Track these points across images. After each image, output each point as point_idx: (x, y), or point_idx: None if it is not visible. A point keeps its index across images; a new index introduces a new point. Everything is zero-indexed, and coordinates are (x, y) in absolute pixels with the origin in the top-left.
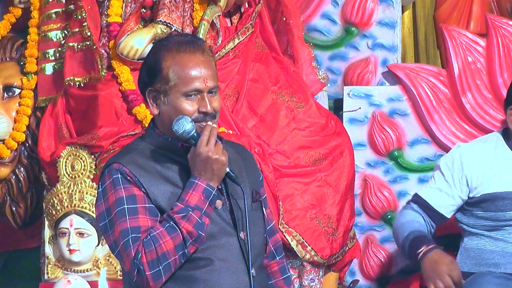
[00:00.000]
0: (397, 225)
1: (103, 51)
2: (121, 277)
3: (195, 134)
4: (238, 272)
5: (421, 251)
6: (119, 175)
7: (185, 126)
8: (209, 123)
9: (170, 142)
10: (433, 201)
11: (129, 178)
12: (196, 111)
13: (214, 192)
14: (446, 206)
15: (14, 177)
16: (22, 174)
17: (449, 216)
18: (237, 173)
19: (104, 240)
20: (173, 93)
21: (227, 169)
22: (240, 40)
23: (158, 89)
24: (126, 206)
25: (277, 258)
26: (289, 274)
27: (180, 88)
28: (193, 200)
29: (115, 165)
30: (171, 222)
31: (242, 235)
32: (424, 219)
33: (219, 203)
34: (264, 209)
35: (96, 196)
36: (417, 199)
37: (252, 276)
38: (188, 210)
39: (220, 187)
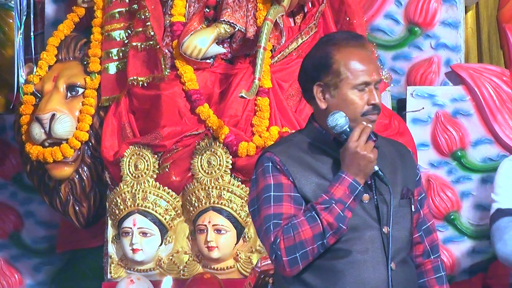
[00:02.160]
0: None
1: (167, 50)
2: (184, 277)
3: (347, 129)
4: (377, 265)
5: None
6: (270, 164)
7: (339, 120)
8: (364, 123)
9: (324, 135)
10: None
11: (278, 167)
12: (365, 103)
13: (360, 188)
14: None
15: (77, 176)
16: (85, 174)
17: None
18: (389, 171)
19: (167, 240)
20: (344, 86)
21: (376, 168)
22: (303, 40)
23: (328, 83)
24: (272, 193)
25: (432, 257)
26: (443, 273)
27: (351, 81)
28: (338, 193)
29: (268, 154)
30: (313, 212)
31: (385, 229)
32: None
33: (366, 197)
34: (419, 207)
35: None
36: (505, 212)
37: (391, 269)
38: (332, 202)
39: (369, 182)
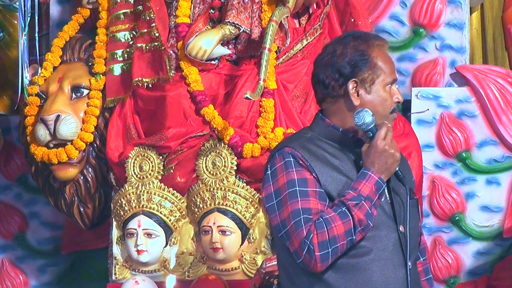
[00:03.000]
0: None
1: (172, 52)
2: (189, 278)
3: (374, 128)
4: (396, 263)
5: None
6: (291, 158)
7: (366, 118)
8: (386, 122)
9: (341, 133)
10: None
11: (301, 162)
12: (393, 101)
13: (384, 186)
14: None
15: (82, 177)
16: (90, 175)
17: None
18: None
19: (172, 241)
20: (379, 83)
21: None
22: (308, 41)
23: (365, 79)
24: (298, 188)
25: (421, 259)
26: (431, 276)
27: (385, 78)
28: (366, 190)
29: (287, 149)
30: (344, 208)
31: (401, 228)
32: None
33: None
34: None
35: (263, 178)
36: None
37: (409, 268)
38: (361, 199)
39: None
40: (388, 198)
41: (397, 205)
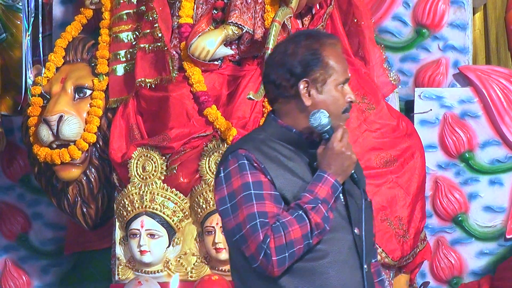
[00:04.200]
0: None
1: (174, 52)
2: (192, 278)
3: (330, 129)
4: (352, 266)
5: None
6: (245, 161)
7: (322, 119)
8: (341, 123)
9: (295, 134)
10: None
11: (255, 164)
12: (345, 100)
13: (340, 189)
14: None
15: (85, 178)
16: (93, 175)
17: None
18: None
19: (175, 241)
20: (331, 82)
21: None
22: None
23: (316, 79)
24: (253, 191)
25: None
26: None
27: (337, 78)
28: (322, 193)
29: (241, 151)
30: (300, 212)
31: (356, 230)
32: None
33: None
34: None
35: (216, 181)
36: None
37: (365, 271)
38: (318, 202)
39: None
40: (342, 200)
41: (352, 207)
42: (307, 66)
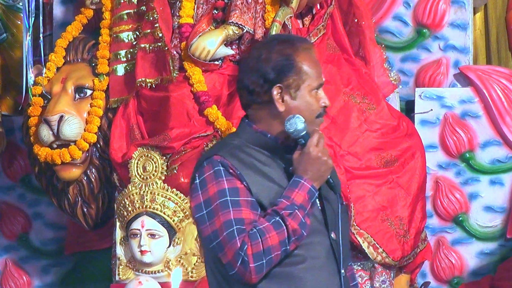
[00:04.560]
0: None
1: (175, 52)
2: (192, 278)
3: (306, 135)
4: (330, 271)
5: None
6: (221, 167)
7: (298, 125)
8: (316, 128)
9: (270, 139)
10: None
11: (231, 170)
12: (319, 105)
13: (316, 194)
14: None
15: (85, 178)
16: (93, 175)
17: None
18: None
19: (175, 241)
20: (305, 88)
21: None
22: (311, 41)
23: (290, 84)
24: (229, 198)
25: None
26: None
27: (311, 83)
28: (299, 199)
29: (216, 157)
30: (277, 218)
31: (333, 235)
32: None
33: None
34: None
35: (191, 188)
36: None
37: (343, 275)
38: (294, 208)
39: None
40: (319, 205)
41: (329, 212)
42: (281, 71)
